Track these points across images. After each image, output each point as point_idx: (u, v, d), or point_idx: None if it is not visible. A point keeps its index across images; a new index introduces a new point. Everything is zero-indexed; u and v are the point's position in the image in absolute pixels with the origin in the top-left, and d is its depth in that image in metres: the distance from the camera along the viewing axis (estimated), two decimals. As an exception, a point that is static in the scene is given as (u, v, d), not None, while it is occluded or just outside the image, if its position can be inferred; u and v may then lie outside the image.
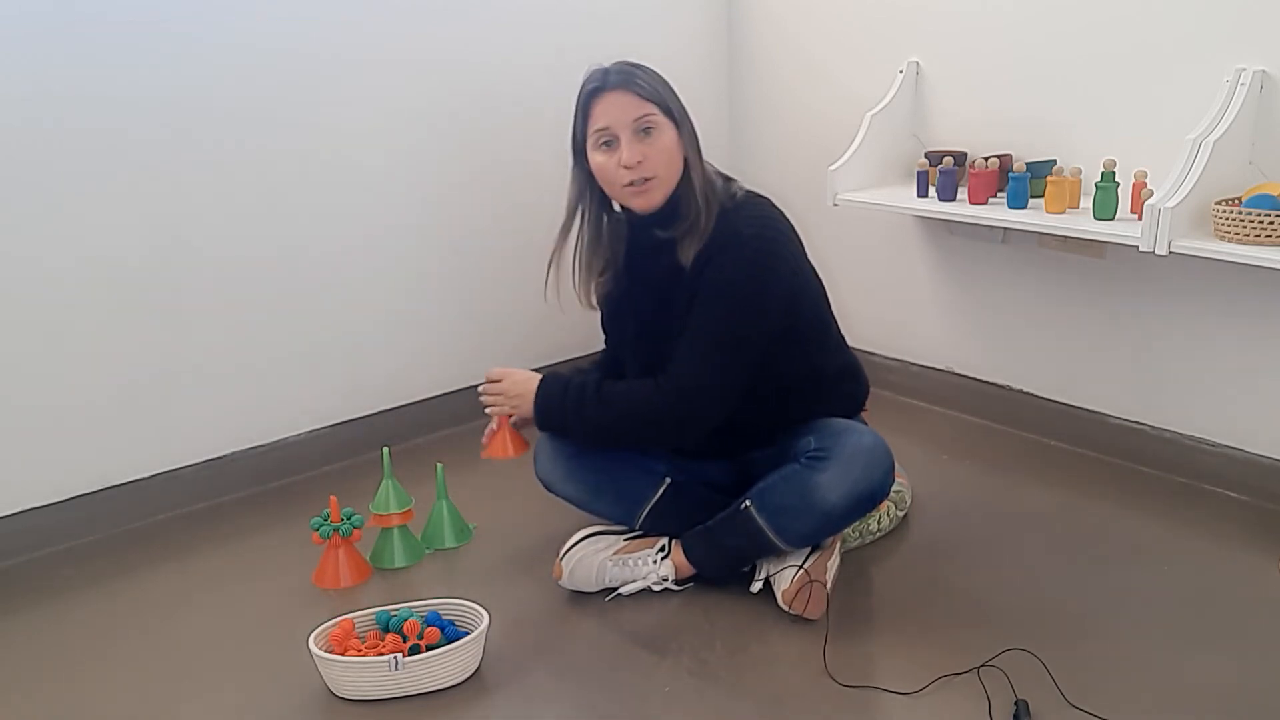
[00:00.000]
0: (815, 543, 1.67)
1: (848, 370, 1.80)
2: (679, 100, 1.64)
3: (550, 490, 1.81)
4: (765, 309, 1.60)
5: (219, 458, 2.14)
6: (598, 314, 1.85)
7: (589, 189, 1.69)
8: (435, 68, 2.28)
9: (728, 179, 1.69)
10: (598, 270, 1.75)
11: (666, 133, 1.60)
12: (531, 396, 1.70)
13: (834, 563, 1.71)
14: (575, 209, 1.71)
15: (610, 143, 1.60)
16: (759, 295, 1.59)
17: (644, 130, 1.59)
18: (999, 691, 1.43)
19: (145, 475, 2.06)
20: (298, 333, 2.21)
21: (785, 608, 1.63)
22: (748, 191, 1.68)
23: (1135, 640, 1.56)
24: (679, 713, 1.44)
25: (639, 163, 1.58)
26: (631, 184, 1.60)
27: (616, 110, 1.59)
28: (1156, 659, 1.52)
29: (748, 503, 1.64)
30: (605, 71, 1.61)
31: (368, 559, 1.85)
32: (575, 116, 1.65)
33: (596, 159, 1.63)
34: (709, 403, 1.61)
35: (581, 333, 2.60)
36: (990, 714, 1.40)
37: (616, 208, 1.72)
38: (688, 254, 1.61)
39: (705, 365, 1.60)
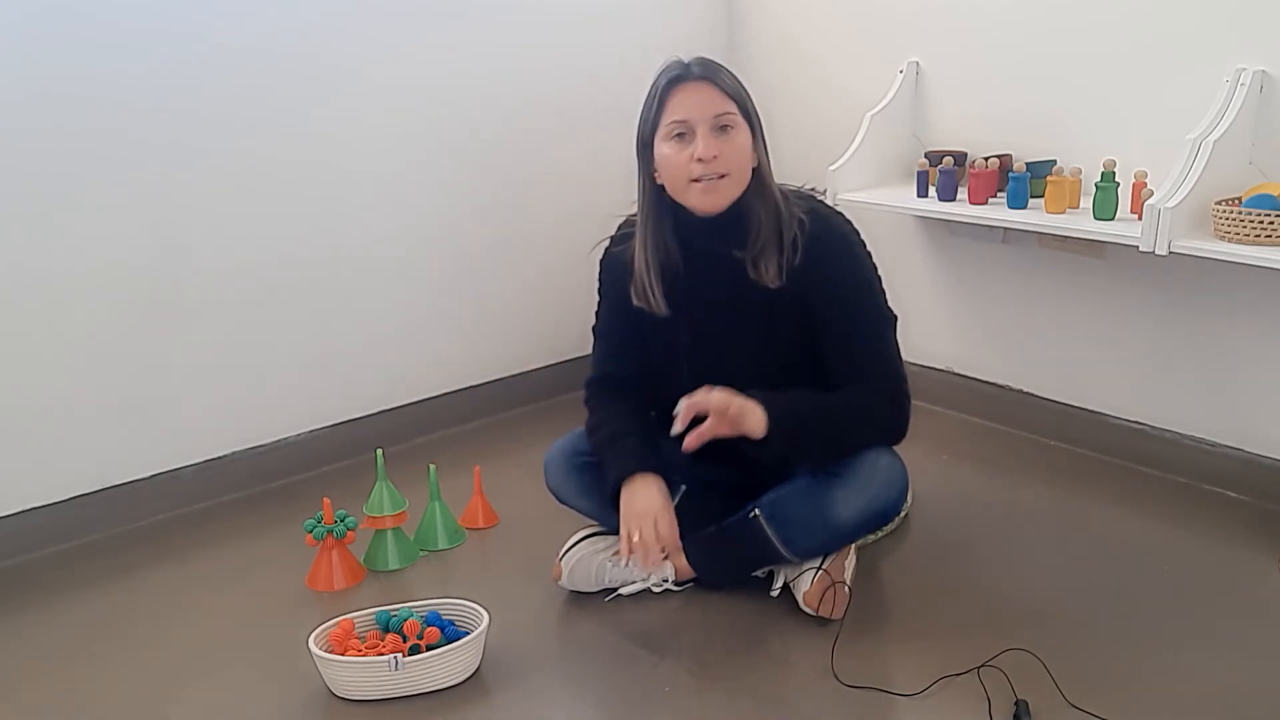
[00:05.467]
0: (821, 554, 1.65)
1: None
2: (755, 105, 1.58)
3: (563, 503, 1.79)
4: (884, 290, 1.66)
5: (218, 458, 2.14)
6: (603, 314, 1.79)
7: (652, 188, 1.60)
8: (434, 72, 2.28)
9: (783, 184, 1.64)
10: (660, 273, 1.63)
11: (743, 134, 1.54)
12: (759, 417, 1.52)
13: (850, 562, 1.70)
14: (646, 207, 1.61)
15: (684, 135, 1.52)
16: (879, 279, 1.65)
17: (722, 128, 1.52)
18: (999, 691, 1.43)
19: (145, 475, 2.06)
20: (296, 334, 2.21)
21: (809, 610, 1.62)
22: (798, 191, 1.65)
23: (1135, 640, 1.56)
24: (679, 713, 1.44)
25: (714, 157, 1.51)
26: (700, 179, 1.52)
27: (696, 103, 1.52)
28: (1156, 659, 1.52)
29: (756, 511, 1.62)
30: (685, 63, 1.55)
31: (361, 561, 1.85)
32: (646, 107, 1.56)
33: (664, 149, 1.54)
34: (908, 388, 1.63)
35: (578, 334, 2.60)
36: (990, 714, 1.40)
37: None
38: (769, 270, 1.56)
39: (894, 356, 1.63)
